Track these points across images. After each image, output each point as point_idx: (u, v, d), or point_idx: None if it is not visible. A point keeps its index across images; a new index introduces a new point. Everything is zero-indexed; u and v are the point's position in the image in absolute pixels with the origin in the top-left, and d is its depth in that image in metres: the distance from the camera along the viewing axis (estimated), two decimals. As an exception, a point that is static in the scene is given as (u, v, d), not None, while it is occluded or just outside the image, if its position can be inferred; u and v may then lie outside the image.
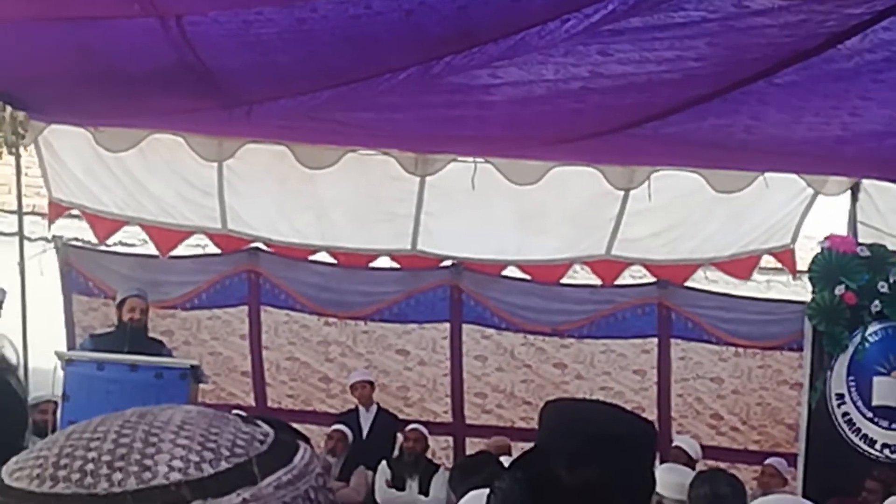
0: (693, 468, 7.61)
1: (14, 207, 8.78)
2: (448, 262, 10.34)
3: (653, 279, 10.29)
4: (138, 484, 0.85)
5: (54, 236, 10.56)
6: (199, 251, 10.90)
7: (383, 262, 10.50)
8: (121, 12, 4.55)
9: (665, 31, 4.69)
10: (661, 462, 7.48)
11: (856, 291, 9.30)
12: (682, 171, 9.17)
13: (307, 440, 1.02)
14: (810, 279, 9.56)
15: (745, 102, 5.81)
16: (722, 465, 8.96)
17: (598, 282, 10.48)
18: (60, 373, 8.17)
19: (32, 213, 11.08)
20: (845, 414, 9.39)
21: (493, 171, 9.27)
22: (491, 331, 10.49)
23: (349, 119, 7.04)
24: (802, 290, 10.28)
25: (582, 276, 10.90)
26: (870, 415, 9.34)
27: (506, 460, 6.01)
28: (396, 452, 9.77)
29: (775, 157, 7.49)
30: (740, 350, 10.16)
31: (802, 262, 10.01)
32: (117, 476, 0.85)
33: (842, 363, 9.41)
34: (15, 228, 8.93)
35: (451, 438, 10.60)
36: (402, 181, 9.70)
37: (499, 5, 4.34)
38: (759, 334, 10.04)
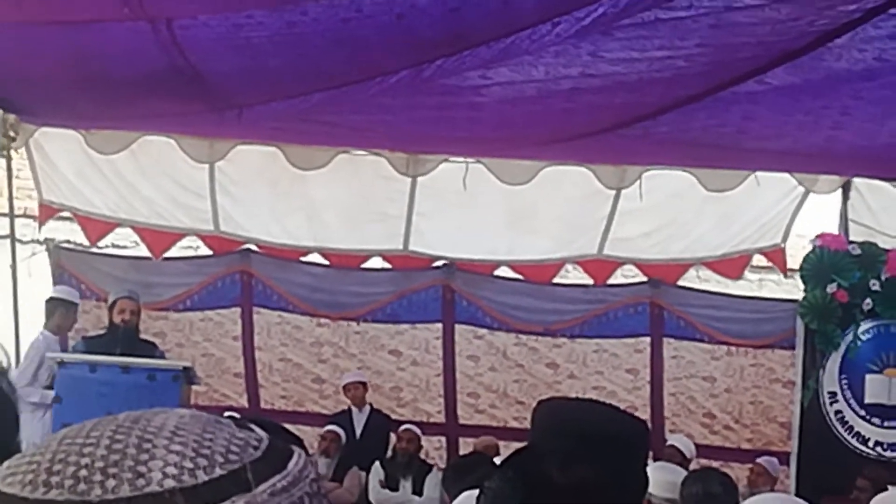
0: (687, 467, 7.61)
1: (5, 210, 8.77)
2: (440, 263, 10.35)
3: (645, 278, 10.31)
4: (132, 491, 0.84)
5: (46, 239, 10.54)
6: (192, 253, 10.89)
7: (375, 262, 10.50)
8: (111, 16, 4.55)
9: (655, 32, 4.70)
10: (655, 461, 7.48)
11: (847, 289, 9.31)
12: (673, 170, 9.19)
13: (301, 443, 1.03)
14: (802, 277, 9.56)
15: (735, 102, 5.82)
16: (715, 463, 8.98)
17: (590, 281, 10.48)
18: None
19: (24, 215, 11.06)
20: (838, 412, 9.40)
21: (484, 172, 9.28)
22: (483, 331, 10.50)
23: (340, 120, 7.04)
24: (794, 289, 10.29)
25: (574, 275, 10.91)
26: (862, 413, 9.35)
27: (498, 461, 6.01)
28: (390, 453, 9.76)
29: (766, 156, 7.50)
30: (733, 349, 10.17)
31: (794, 261, 10.02)
32: (111, 483, 0.84)
33: (834, 361, 9.42)
34: (6, 231, 8.93)
35: (444, 438, 10.60)
36: (393, 181, 9.70)
37: (489, 9, 4.34)
38: (752, 333, 10.06)
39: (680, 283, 10.37)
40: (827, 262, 9.34)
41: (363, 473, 9.56)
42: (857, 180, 9.41)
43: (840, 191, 9.58)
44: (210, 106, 6.47)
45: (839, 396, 9.41)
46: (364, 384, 10.10)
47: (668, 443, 9.33)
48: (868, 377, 9.36)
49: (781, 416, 10.04)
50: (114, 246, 11.54)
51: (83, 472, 0.86)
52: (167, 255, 10.31)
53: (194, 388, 8.76)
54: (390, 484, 9.44)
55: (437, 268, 10.37)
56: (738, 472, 9.11)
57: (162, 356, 8.83)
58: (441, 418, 10.58)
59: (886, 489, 6.11)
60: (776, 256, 10.21)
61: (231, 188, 9.94)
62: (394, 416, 10.25)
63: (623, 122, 6.46)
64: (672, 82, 5.48)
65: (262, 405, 10.54)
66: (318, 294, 10.43)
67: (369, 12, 4.33)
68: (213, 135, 8.98)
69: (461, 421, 10.57)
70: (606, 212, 9.92)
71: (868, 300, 9.30)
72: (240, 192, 9.99)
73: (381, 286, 10.50)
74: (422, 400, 10.61)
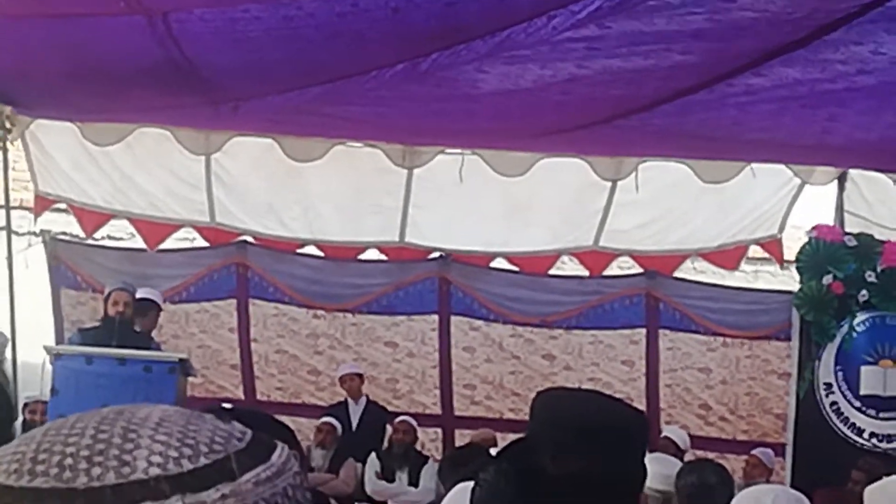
0: (681, 458, 7.62)
1: (1, 202, 8.76)
2: (436, 254, 10.36)
3: (641, 270, 10.32)
4: (117, 478, 0.85)
5: (42, 230, 10.54)
6: (188, 245, 10.89)
7: (371, 254, 10.50)
8: (107, 9, 4.55)
9: (651, 25, 4.70)
10: (650, 452, 7.49)
11: (843, 281, 9.33)
12: (669, 161, 9.19)
13: (290, 432, 1.04)
14: (798, 269, 9.58)
15: (731, 94, 5.81)
16: (710, 455, 8.99)
17: (585, 273, 10.50)
18: (49, 367, 8.16)
19: (20, 207, 11.06)
20: (833, 403, 9.42)
21: (480, 163, 9.28)
22: (479, 322, 10.50)
23: (337, 112, 7.03)
24: (790, 280, 10.32)
25: (570, 267, 10.92)
26: (858, 404, 9.37)
27: (494, 452, 6.02)
28: (386, 444, 9.77)
29: (762, 148, 7.50)
30: (728, 340, 10.18)
31: (790, 252, 10.04)
32: (96, 470, 0.85)
33: (829, 353, 9.44)
34: (2, 223, 8.92)
35: (440, 430, 10.62)
36: (389, 173, 9.70)
37: (485, 2, 4.35)
38: (747, 324, 10.06)
39: (676, 274, 10.38)
40: (823, 253, 9.36)
41: (359, 465, 9.57)
42: (852, 172, 9.41)
43: (836, 182, 9.60)
44: (206, 99, 6.47)
45: (835, 388, 9.43)
46: (360, 376, 10.11)
47: (662, 434, 9.34)
48: (864, 368, 9.38)
49: (777, 407, 10.05)
50: (109, 238, 11.54)
51: (68, 461, 0.86)
52: (163, 246, 10.31)
53: (190, 379, 8.76)
54: (386, 475, 9.45)
55: (433, 259, 10.38)
56: (734, 464, 9.13)
57: (158, 348, 8.82)
58: (437, 410, 10.59)
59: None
60: (772, 247, 10.23)
61: (227, 180, 9.94)
62: (390, 408, 10.26)
63: (619, 114, 6.46)
64: (668, 75, 5.48)
65: (259, 397, 10.55)
66: (315, 286, 10.43)
67: (365, 6, 4.34)
68: (208, 127, 8.98)
69: (457, 412, 10.59)
70: (602, 203, 9.92)
71: (864, 291, 9.32)
72: (236, 183, 9.99)
73: (377, 278, 10.50)
74: (418, 391, 10.62)
